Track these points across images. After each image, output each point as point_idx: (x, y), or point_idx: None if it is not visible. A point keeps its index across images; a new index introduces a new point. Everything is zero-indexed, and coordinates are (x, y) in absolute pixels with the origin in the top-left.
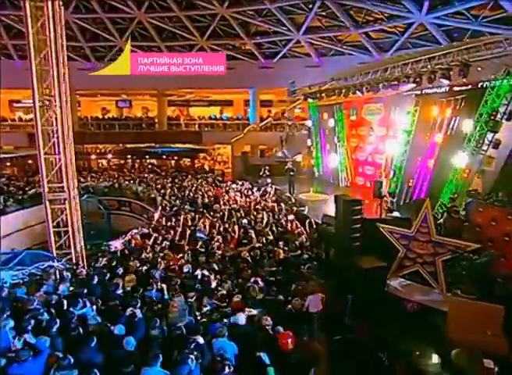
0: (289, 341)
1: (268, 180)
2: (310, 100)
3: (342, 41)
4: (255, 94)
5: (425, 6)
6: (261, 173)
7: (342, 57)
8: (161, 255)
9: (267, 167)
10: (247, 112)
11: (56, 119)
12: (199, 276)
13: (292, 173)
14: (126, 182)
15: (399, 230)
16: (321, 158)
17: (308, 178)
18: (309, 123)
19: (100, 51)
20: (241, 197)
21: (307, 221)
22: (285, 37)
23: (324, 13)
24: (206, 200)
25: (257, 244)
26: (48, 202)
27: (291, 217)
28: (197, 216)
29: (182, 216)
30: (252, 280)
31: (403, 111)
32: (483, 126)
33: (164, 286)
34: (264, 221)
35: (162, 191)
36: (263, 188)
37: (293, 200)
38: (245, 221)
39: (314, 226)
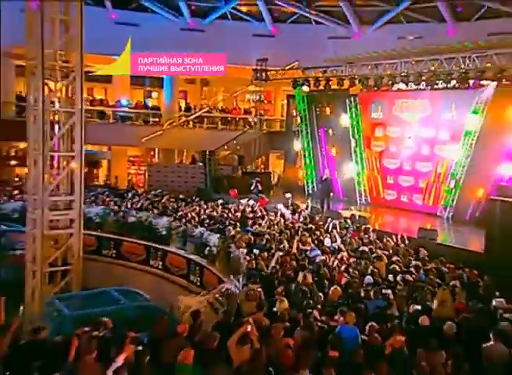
0: None
1: (288, 195)
2: (305, 88)
3: (311, 3)
4: None
5: None
6: (252, 188)
7: (306, 27)
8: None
9: (258, 179)
10: None
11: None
12: None
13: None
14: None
15: None
16: (315, 169)
17: (297, 194)
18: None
19: None
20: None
21: (399, 236)
22: None
23: None
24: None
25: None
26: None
27: (372, 235)
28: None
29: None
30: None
31: (463, 108)
32: None
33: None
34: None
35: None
36: (281, 207)
37: (357, 217)
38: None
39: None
